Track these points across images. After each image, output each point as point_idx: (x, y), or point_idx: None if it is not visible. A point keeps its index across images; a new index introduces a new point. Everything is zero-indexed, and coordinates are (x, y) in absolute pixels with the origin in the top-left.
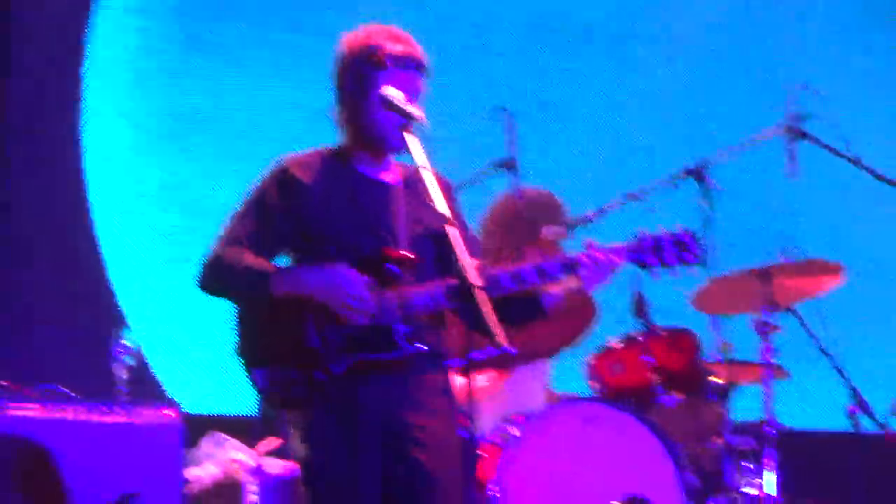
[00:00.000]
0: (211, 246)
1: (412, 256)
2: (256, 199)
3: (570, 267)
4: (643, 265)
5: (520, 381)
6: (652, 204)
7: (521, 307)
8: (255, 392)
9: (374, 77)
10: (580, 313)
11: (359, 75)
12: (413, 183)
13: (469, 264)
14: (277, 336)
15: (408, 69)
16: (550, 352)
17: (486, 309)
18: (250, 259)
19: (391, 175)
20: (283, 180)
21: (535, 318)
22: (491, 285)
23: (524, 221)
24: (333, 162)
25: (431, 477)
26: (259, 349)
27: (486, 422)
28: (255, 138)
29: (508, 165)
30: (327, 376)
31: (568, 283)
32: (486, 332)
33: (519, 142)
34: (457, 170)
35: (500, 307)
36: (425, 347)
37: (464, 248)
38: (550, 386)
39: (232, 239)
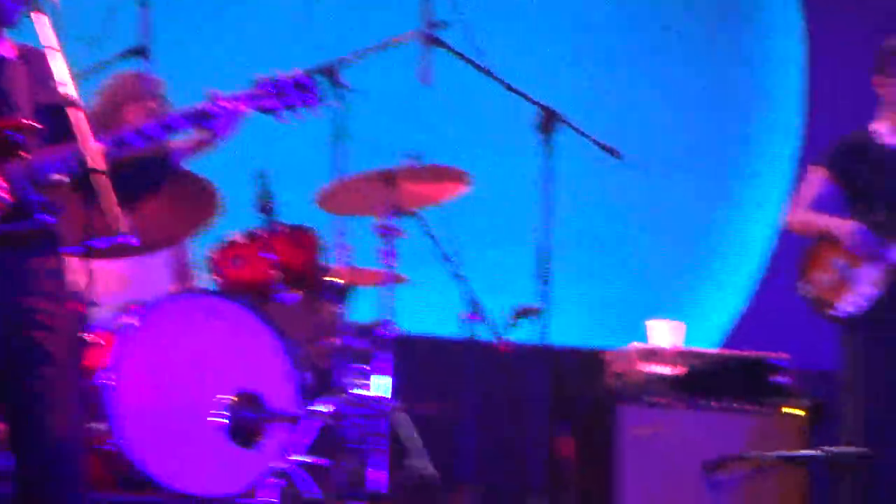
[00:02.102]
0: None
1: (34, 124)
2: None
3: (196, 118)
4: (268, 110)
5: (142, 271)
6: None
7: (150, 169)
8: None
9: None
10: (202, 203)
11: None
12: (30, 59)
13: (91, 148)
14: None
15: None
16: (171, 241)
17: (107, 195)
18: None
19: (5, 49)
20: None
21: (165, 177)
22: (116, 145)
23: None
24: None
25: (48, 354)
26: None
27: (104, 309)
28: None
29: (141, 53)
30: None
31: (196, 136)
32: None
33: (154, 31)
34: (86, 55)
35: (131, 173)
36: (54, 220)
37: (87, 132)
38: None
39: None
